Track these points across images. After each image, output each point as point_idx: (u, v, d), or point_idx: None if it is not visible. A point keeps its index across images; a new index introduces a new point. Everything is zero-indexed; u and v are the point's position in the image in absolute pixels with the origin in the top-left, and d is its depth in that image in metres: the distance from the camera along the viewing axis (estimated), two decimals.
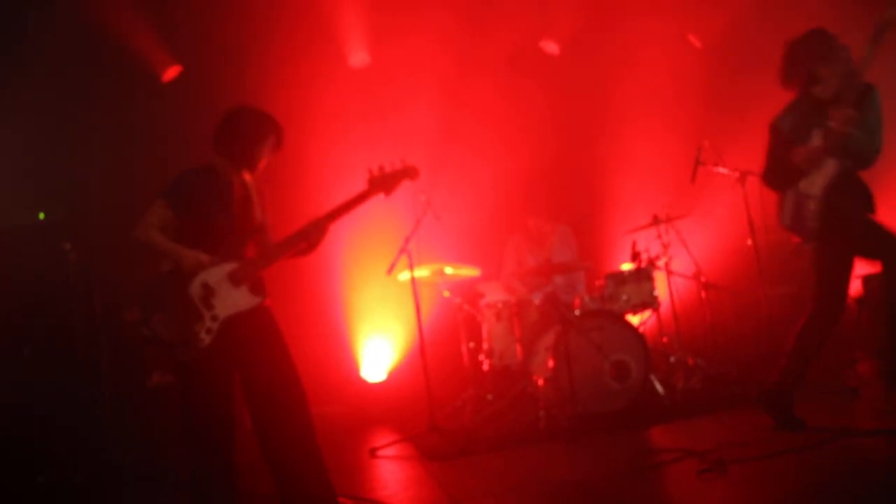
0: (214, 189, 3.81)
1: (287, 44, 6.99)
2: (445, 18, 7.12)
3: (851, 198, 4.21)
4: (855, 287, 7.33)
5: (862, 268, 7.38)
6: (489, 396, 6.19)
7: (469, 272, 6.48)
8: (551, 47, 8.07)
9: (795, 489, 3.41)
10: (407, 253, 5.70)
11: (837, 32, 4.34)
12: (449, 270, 6.30)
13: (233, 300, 3.70)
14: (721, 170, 6.12)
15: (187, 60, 7.16)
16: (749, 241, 6.38)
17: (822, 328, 4.41)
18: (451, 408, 6.34)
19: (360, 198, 3.93)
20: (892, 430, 4.11)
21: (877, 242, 4.18)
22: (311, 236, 3.86)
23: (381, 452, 5.49)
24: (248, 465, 4.29)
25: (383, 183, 3.95)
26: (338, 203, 3.88)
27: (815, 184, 4.20)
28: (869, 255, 4.32)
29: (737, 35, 7.83)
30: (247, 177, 3.96)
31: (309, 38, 7.14)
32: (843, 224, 4.20)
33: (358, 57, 7.57)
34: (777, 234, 7.17)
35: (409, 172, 4.02)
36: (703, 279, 6.61)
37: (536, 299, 6.21)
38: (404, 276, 5.90)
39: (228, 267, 3.72)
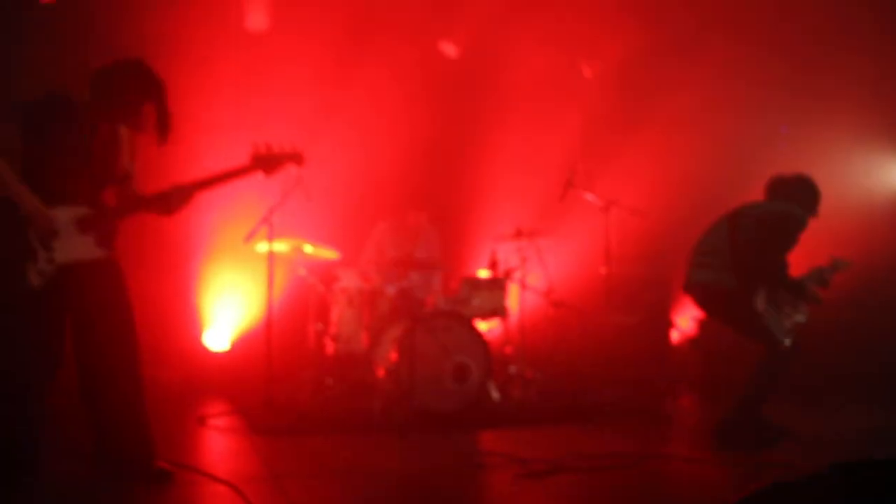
0: (74, 127, 3.57)
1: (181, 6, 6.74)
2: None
3: None
4: (691, 328, 7.78)
5: (699, 312, 7.85)
6: (329, 380, 6.16)
7: (328, 254, 6.43)
8: (450, 49, 8.13)
9: (602, 501, 3.59)
10: (268, 224, 5.60)
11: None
12: (308, 249, 6.23)
13: (74, 247, 3.50)
14: (589, 196, 6.35)
15: None
16: (602, 270, 6.64)
17: (780, 364, 4.77)
18: (289, 386, 6.27)
19: (238, 172, 3.79)
20: (698, 458, 4.40)
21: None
22: (174, 201, 3.69)
23: (209, 421, 5.37)
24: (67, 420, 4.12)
25: (267, 162, 3.84)
26: (211, 173, 3.73)
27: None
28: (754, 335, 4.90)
29: (625, 70, 8.14)
30: (120, 127, 3.75)
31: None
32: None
33: (255, 20, 7.38)
34: (629, 268, 7.51)
35: (295, 157, 3.94)
36: (553, 297, 6.81)
37: (391, 291, 6.24)
38: (262, 247, 5.80)
39: (79, 212, 3.52)
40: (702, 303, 5.03)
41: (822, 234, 7.57)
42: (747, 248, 4.76)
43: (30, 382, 3.51)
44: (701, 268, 4.91)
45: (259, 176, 3.87)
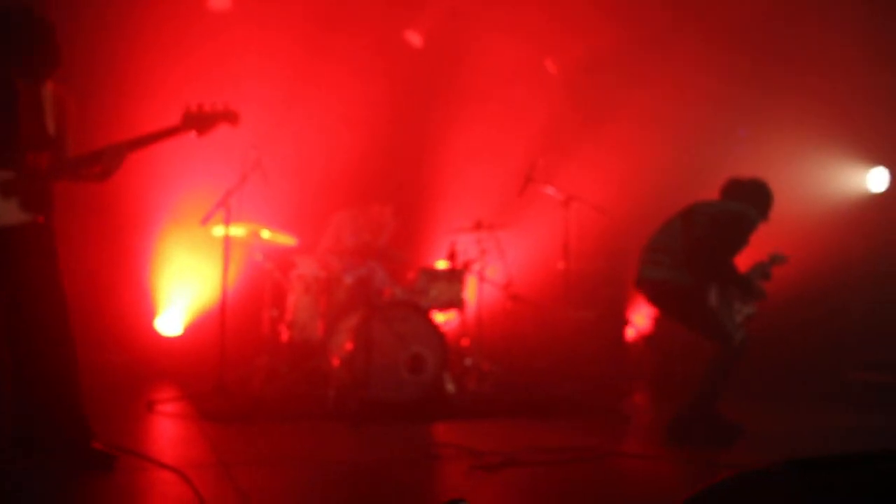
0: None
1: None
2: None
3: None
4: (647, 325, 7.83)
5: (655, 309, 7.92)
6: (282, 368, 6.08)
7: (286, 240, 6.34)
8: (415, 38, 8.06)
9: (555, 495, 3.58)
10: (225, 207, 5.50)
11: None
12: (266, 234, 6.14)
13: None
14: (549, 190, 6.34)
15: None
16: (561, 265, 6.64)
17: (729, 359, 4.75)
18: (242, 372, 6.18)
19: (170, 132, 3.68)
20: (651, 455, 4.42)
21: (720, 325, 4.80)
22: (106, 161, 3.56)
23: (158, 407, 5.27)
24: None
25: (199, 121, 3.73)
26: (144, 133, 3.65)
27: (751, 310, 4.95)
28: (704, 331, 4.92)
29: (589, 66, 8.16)
30: (46, 86, 3.61)
31: None
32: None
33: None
34: (587, 264, 7.54)
35: (229, 116, 3.81)
36: (511, 290, 6.81)
37: (348, 279, 6.17)
38: (219, 230, 5.70)
39: (3, 175, 3.39)
40: (654, 299, 5.05)
41: (778, 234, 7.74)
42: (700, 245, 4.78)
43: None
44: (654, 265, 4.92)
45: (192, 136, 3.76)
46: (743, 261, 4.88)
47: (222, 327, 5.51)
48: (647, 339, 7.59)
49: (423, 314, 5.88)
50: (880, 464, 1.51)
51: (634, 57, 7.88)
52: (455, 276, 6.28)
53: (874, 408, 6.64)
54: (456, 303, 6.26)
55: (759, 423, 5.25)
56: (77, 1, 6.18)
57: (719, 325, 4.76)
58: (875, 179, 8.92)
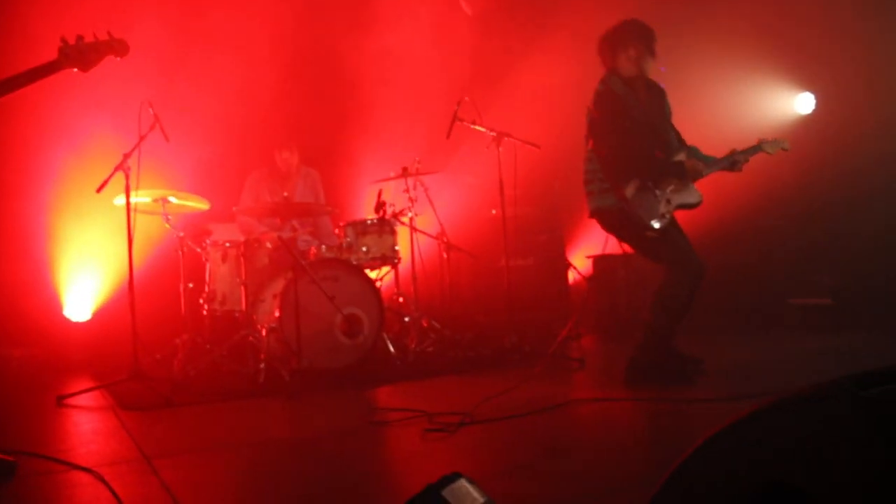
0: None
1: None
2: None
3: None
4: (586, 265, 7.57)
5: (594, 248, 7.67)
6: (205, 345, 5.58)
7: (198, 204, 5.77)
8: None
9: (519, 450, 3.25)
10: (125, 171, 4.90)
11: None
12: (174, 200, 5.56)
13: None
14: (478, 128, 5.91)
15: None
16: (494, 211, 6.28)
17: (674, 292, 4.41)
18: (161, 354, 5.67)
19: (47, 69, 3.20)
20: (612, 397, 4.12)
21: (671, 249, 4.46)
22: None
23: (70, 401, 4.75)
24: None
25: (80, 55, 3.25)
26: (17, 73, 3.13)
27: (682, 196, 4.50)
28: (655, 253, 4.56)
29: (504, 4, 7.79)
30: None
31: None
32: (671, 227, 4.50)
33: None
34: (521, 208, 7.20)
35: (115, 47, 3.37)
36: (446, 240, 6.42)
37: (269, 242, 5.68)
38: (120, 200, 5.11)
39: None
40: (605, 229, 4.73)
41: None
42: (598, 149, 4.52)
43: None
44: (588, 197, 4.63)
45: (75, 72, 3.28)
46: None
47: (132, 307, 4.95)
48: (589, 280, 7.31)
49: (355, 272, 5.45)
50: None
51: None
52: (385, 228, 5.85)
53: (817, 330, 6.62)
54: (390, 257, 5.85)
55: (713, 356, 4.99)
56: None
57: (659, 249, 4.44)
58: (802, 104, 8.85)
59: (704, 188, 7.40)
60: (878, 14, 7.32)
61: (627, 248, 4.77)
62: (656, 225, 4.37)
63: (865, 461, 1.07)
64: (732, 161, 4.67)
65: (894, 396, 1.16)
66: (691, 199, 4.54)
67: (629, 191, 4.39)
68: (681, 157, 4.54)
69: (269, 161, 6.41)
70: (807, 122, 8.83)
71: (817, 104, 8.79)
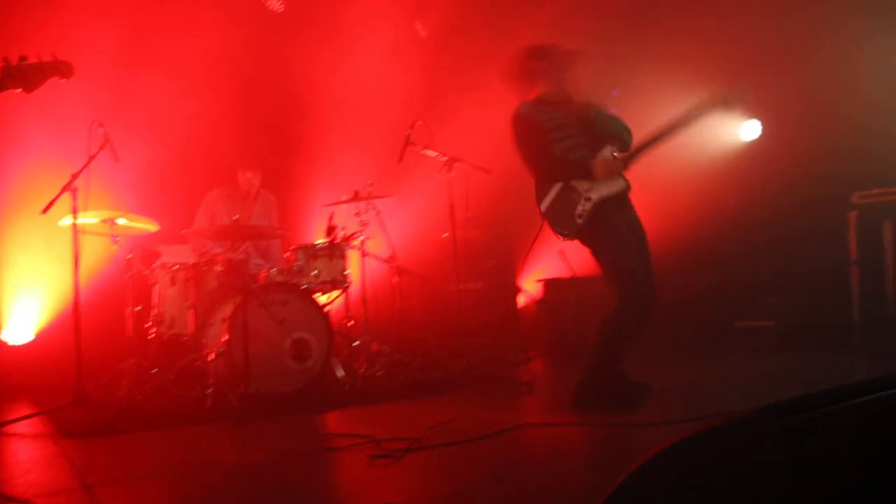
0: None
1: None
2: None
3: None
4: (537, 290, 7.64)
5: (544, 272, 7.75)
6: (152, 369, 5.50)
7: (146, 226, 5.71)
8: (275, 5, 7.53)
9: (465, 475, 3.25)
10: (72, 192, 4.83)
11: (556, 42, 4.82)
12: (122, 221, 5.49)
13: None
14: (430, 152, 5.96)
15: None
16: (446, 234, 6.31)
17: (626, 317, 4.43)
18: (107, 379, 5.57)
19: None
20: (561, 422, 4.15)
21: (614, 267, 4.44)
22: None
23: (7, 428, 4.61)
24: None
25: (23, 76, 3.22)
26: None
27: (600, 190, 4.44)
28: (605, 272, 4.53)
29: (458, 29, 7.86)
30: None
31: None
32: (604, 230, 4.45)
33: None
34: (472, 232, 7.25)
35: (59, 68, 3.33)
36: (396, 264, 6.43)
37: (218, 266, 5.63)
38: (66, 220, 5.03)
39: None
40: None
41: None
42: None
43: None
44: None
45: (19, 93, 3.24)
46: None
47: (77, 330, 4.85)
48: (539, 305, 7.38)
49: (304, 296, 5.44)
50: (857, 397, 1.40)
51: (502, 12, 7.64)
52: (336, 252, 5.84)
53: (764, 351, 6.82)
54: (340, 281, 5.84)
55: (660, 377, 5.08)
56: None
57: (612, 270, 4.48)
58: (747, 130, 9.07)
59: (653, 212, 7.49)
60: (821, 43, 7.55)
61: (577, 271, 4.85)
62: (566, 232, 4.47)
63: (781, 488, 1.12)
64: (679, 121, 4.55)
65: (813, 425, 1.21)
66: (614, 189, 4.51)
67: (543, 204, 4.52)
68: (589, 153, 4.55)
69: (230, 181, 6.37)
70: (752, 149, 9.07)
71: (763, 131, 9.03)
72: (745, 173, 9.05)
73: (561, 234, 4.53)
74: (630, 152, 4.54)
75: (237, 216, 5.57)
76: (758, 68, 8.04)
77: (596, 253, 4.55)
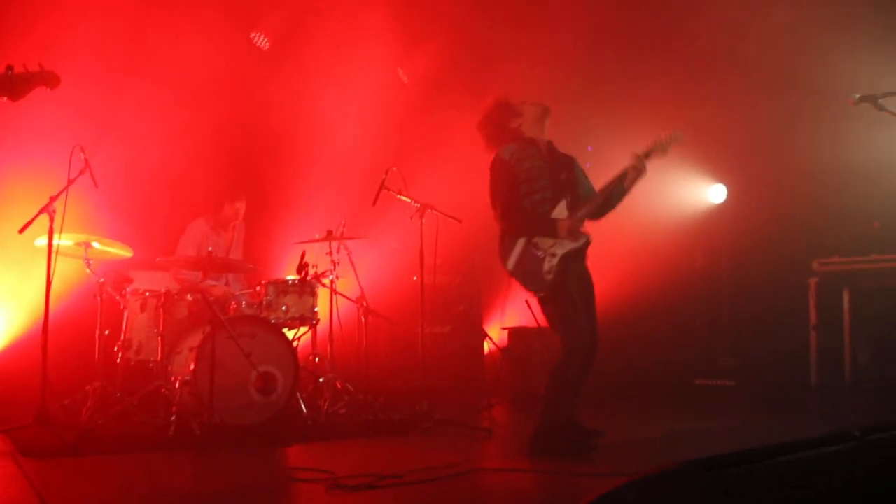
0: None
1: None
2: None
3: (577, 264, 4.72)
4: (501, 337, 7.76)
5: (510, 320, 7.88)
6: (117, 393, 5.53)
7: (120, 252, 5.79)
8: (261, 41, 7.70)
9: None
10: (50, 214, 4.93)
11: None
12: (97, 245, 5.57)
13: None
14: (404, 198, 6.11)
15: None
16: (415, 278, 6.42)
17: (566, 366, 4.55)
18: (70, 401, 5.58)
19: None
20: (515, 468, 4.24)
21: (564, 319, 4.59)
22: None
23: None
24: None
25: (10, 85, 3.31)
26: None
27: (564, 246, 4.59)
28: (552, 322, 4.70)
29: (439, 78, 8.06)
30: None
31: None
32: (566, 285, 4.59)
33: None
34: (441, 277, 7.38)
35: (46, 78, 3.44)
36: (365, 304, 6.53)
37: (190, 296, 5.72)
38: (42, 241, 5.10)
39: None
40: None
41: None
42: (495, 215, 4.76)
43: None
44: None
45: (5, 100, 3.33)
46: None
47: (44, 350, 4.88)
48: (503, 352, 7.50)
49: (273, 330, 5.52)
50: (775, 457, 1.53)
51: (481, 63, 7.86)
52: (306, 289, 5.94)
53: (722, 409, 6.89)
54: (307, 318, 5.93)
55: (618, 430, 5.21)
56: None
57: (553, 317, 4.65)
58: (714, 193, 9.37)
59: (620, 270, 7.69)
60: (789, 110, 7.83)
61: (543, 321, 4.94)
62: (538, 290, 4.60)
63: None
64: (623, 177, 4.69)
65: (736, 481, 1.34)
66: (577, 244, 4.65)
67: (510, 262, 4.66)
68: (562, 214, 4.70)
69: (214, 210, 6.45)
70: (719, 211, 9.34)
71: (728, 194, 9.33)
72: (711, 235, 9.33)
73: (534, 292, 4.66)
74: (586, 210, 4.71)
75: (210, 248, 5.67)
76: (726, 134, 8.35)
77: (545, 302, 4.71)
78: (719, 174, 9.30)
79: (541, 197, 4.71)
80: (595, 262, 4.85)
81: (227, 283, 5.77)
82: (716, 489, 1.28)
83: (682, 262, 8.96)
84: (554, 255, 4.59)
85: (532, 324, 7.29)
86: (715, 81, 8.07)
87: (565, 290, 4.59)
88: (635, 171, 4.66)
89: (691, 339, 9.04)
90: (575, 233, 4.64)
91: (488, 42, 7.88)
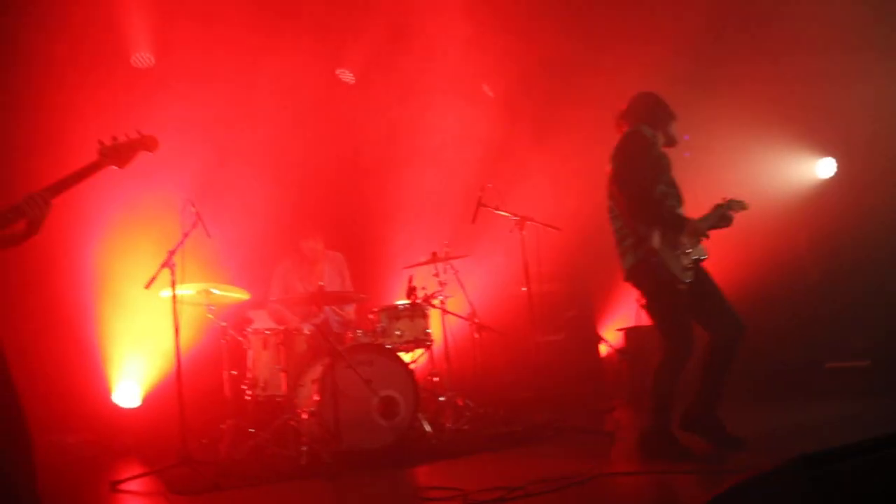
0: None
1: (71, 37, 6.38)
2: (238, 33, 6.80)
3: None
4: (618, 339, 7.70)
5: (624, 321, 7.81)
6: (250, 429, 5.79)
7: (238, 295, 6.08)
8: (347, 76, 7.93)
9: None
10: (170, 267, 5.25)
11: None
12: (216, 291, 5.88)
13: None
14: (502, 213, 6.20)
15: None
16: (523, 288, 6.48)
17: (674, 367, 4.52)
18: (208, 439, 5.89)
19: (90, 169, 3.48)
20: (641, 471, 4.24)
21: (675, 322, 4.57)
22: (29, 212, 3.30)
23: (122, 486, 4.95)
24: None
25: (117, 154, 3.55)
26: (62, 175, 3.42)
27: (698, 251, 4.60)
28: (702, 320, 4.66)
29: (525, 88, 8.08)
30: None
31: (94, 33, 6.54)
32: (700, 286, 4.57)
33: (141, 58, 7.02)
34: (549, 285, 7.39)
35: (146, 143, 3.66)
36: (476, 321, 6.62)
37: (307, 329, 5.94)
38: (166, 292, 5.43)
39: None
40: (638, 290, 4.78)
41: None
42: (618, 193, 4.57)
43: None
44: (621, 259, 4.71)
45: (113, 170, 3.57)
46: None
47: (180, 394, 5.21)
48: (620, 353, 7.44)
49: (389, 355, 5.67)
50: (885, 449, 1.48)
51: (571, 69, 7.83)
52: (418, 312, 6.08)
53: (857, 394, 6.57)
54: (421, 340, 6.06)
55: (747, 424, 5.08)
56: None
57: (665, 320, 4.57)
58: (823, 168, 9.00)
59: (731, 254, 7.41)
60: None
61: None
62: (686, 279, 4.48)
63: None
64: (723, 216, 4.74)
65: (838, 477, 1.34)
66: (702, 255, 4.62)
67: (655, 240, 4.45)
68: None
69: (296, 249, 6.70)
70: (828, 186, 8.98)
71: (838, 168, 8.95)
72: (824, 210, 8.96)
73: (681, 279, 4.51)
74: (708, 223, 4.66)
75: (322, 282, 5.88)
76: (834, 104, 8.03)
77: (656, 298, 4.61)
78: (827, 146, 8.93)
79: (666, 190, 4.61)
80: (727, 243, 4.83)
81: (326, 317, 5.96)
82: (823, 487, 1.28)
83: (790, 241, 8.63)
84: (688, 255, 4.53)
85: (646, 322, 7.22)
86: (816, 52, 7.76)
87: (682, 293, 4.52)
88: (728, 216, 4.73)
89: (817, 321, 8.68)
90: (699, 238, 4.59)
91: (568, 54, 7.84)
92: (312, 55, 7.27)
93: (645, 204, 4.50)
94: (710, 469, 4.07)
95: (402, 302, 6.17)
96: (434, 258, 6.38)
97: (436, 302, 6.32)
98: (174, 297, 5.30)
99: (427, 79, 7.78)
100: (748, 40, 7.76)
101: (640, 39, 7.51)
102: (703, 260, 4.65)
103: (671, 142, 4.80)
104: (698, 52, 7.68)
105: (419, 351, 6.26)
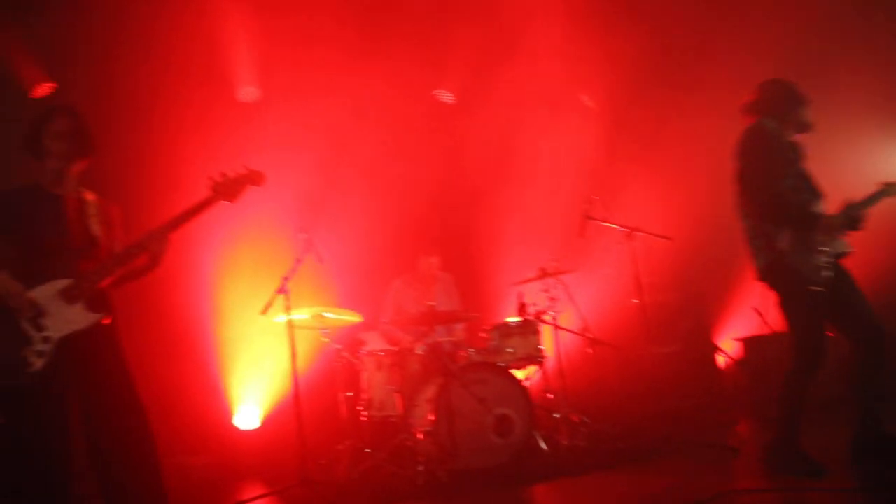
0: (40, 206, 3.59)
1: (175, 75, 6.67)
2: (339, 57, 6.95)
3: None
4: (736, 349, 7.43)
5: (742, 331, 7.54)
6: (366, 449, 5.86)
7: (351, 317, 6.18)
8: (446, 96, 8.00)
9: None
10: (285, 293, 5.38)
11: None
12: (329, 315, 5.99)
13: (66, 319, 3.45)
14: (610, 225, 6.10)
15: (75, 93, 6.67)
16: (635, 300, 6.34)
17: (803, 376, 4.27)
18: (326, 460, 5.99)
19: (203, 205, 3.73)
20: (771, 488, 4.07)
21: (808, 326, 4.25)
22: (150, 247, 3.62)
23: None
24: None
25: (227, 189, 3.76)
26: (178, 211, 3.68)
27: (837, 247, 4.27)
28: (841, 326, 4.35)
29: (627, 97, 7.96)
30: (86, 195, 3.76)
31: (197, 70, 6.82)
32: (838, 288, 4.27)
33: (247, 92, 7.28)
34: (661, 295, 7.22)
35: (253, 177, 3.85)
36: (589, 335, 6.52)
37: (420, 349, 5.98)
38: (281, 318, 5.57)
39: (61, 284, 3.47)
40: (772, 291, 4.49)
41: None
42: (743, 192, 4.33)
43: (62, 471, 3.42)
44: (753, 259, 4.42)
45: (225, 204, 3.78)
46: None
47: (298, 416, 5.33)
48: (739, 364, 7.18)
49: (502, 373, 5.64)
50: None
51: (674, 76, 7.66)
52: (529, 329, 6.04)
53: None
54: (534, 356, 6.01)
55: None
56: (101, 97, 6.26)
57: (795, 325, 4.27)
58: None
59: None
60: None
61: (776, 327, 4.55)
62: (821, 279, 4.18)
63: None
64: (850, 218, 4.28)
65: None
66: (843, 249, 4.29)
67: (785, 241, 4.21)
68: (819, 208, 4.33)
69: (411, 268, 6.77)
70: None
71: None
72: None
73: (814, 283, 4.20)
74: (841, 220, 4.27)
75: (434, 303, 5.92)
76: None
77: (792, 299, 4.31)
78: None
79: (796, 183, 4.29)
80: None
81: (436, 337, 5.99)
82: None
83: None
84: (826, 253, 4.22)
85: (765, 331, 6.96)
86: None
87: (816, 296, 4.21)
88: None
89: None
90: (836, 233, 4.26)
91: (668, 63, 7.69)
92: (411, 75, 7.37)
93: (770, 203, 4.23)
94: (842, 488, 3.85)
95: (514, 319, 6.14)
96: (543, 274, 6.33)
97: (547, 318, 6.26)
98: (290, 322, 5.43)
99: (525, 93, 7.76)
100: (866, 31, 7.41)
101: (742, 42, 7.30)
102: (845, 255, 4.32)
103: (804, 128, 4.46)
104: (805, 50, 7.38)
105: (532, 368, 6.21)
